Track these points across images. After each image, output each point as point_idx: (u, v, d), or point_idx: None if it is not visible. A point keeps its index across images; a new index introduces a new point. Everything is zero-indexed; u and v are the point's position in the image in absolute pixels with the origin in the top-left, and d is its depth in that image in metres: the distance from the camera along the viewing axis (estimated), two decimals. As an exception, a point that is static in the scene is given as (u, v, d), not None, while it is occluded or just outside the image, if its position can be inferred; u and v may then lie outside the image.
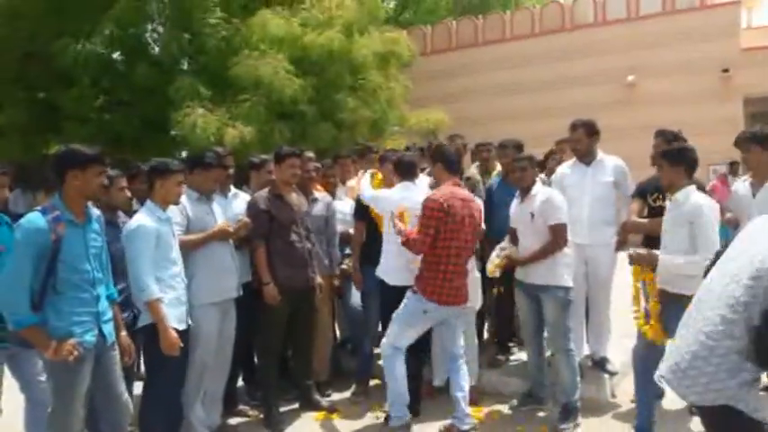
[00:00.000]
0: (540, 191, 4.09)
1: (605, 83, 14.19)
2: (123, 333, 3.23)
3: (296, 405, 4.49)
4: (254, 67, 9.49)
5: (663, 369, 2.18)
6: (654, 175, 4.31)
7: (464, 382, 3.94)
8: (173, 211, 3.59)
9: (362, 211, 4.60)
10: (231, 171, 4.42)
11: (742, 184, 4.10)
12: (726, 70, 13.24)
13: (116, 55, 11.29)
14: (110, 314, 3.06)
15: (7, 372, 3.36)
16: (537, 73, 14.94)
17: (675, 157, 3.46)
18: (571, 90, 14.20)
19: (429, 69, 15.46)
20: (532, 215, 4.03)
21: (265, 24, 10.02)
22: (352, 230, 4.82)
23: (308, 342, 4.48)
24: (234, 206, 4.34)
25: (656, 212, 4.09)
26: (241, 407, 4.45)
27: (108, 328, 3.01)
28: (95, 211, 3.07)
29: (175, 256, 3.47)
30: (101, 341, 2.95)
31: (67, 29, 10.26)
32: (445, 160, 4.01)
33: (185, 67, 11.13)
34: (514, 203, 4.26)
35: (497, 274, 4.17)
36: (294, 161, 4.29)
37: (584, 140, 4.46)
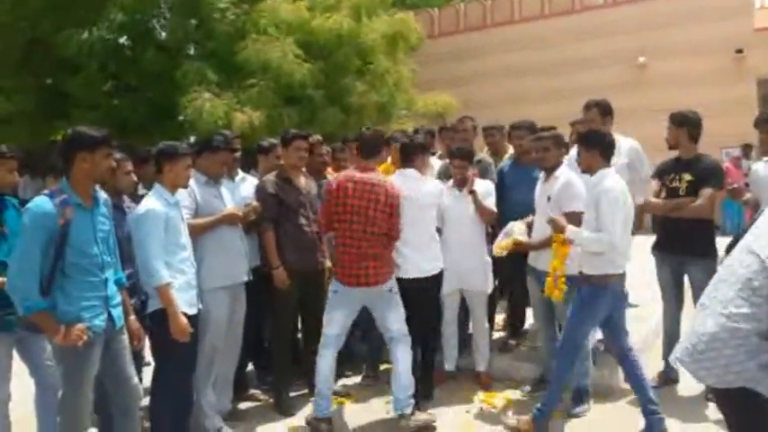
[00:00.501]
0: (562, 174, 3.99)
1: (615, 64, 13.98)
2: (132, 317, 3.21)
3: (306, 390, 4.47)
4: (262, 52, 9.42)
5: (678, 351, 2.15)
6: (671, 157, 4.27)
7: (402, 365, 3.80)
8: (181, 194, 3.54)
9: None
10: (238, 154, 4.39)
11: (762, 165, 4.06)
12: (739, 51, 13.00)
13: (123, 40, 11.23)
14: (118, 298, 3.04)
15: (16, 356, 3.34)
16: (546, 55, 14.73)
17: (590, 142, 3.61)
18: (581, 72, 13.99)
19: (437, 52, 15.31)
20: (549, 198, 3.96)
21: (276, 9, 9.93)
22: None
23: (318, 326, 4.44)
24: (241, 190, 4.32)
25: (674, 193, 4.09)
26: (252, 391, 4.46)
27: (117, 312, 2.98)
28: (103, 195, 3.04)
29: (185, 240, 3.42)
30: (110, 325, 2.93)
31: (72, 16, 10.20)
32: (360, 146, 3.96)
33: (192, 52, 11.07)
34: (539, 183, 4.19)
35: (504, 254, 4.12)
36: (301, 143, 4.25)
37: (597, 121, 4.41)
